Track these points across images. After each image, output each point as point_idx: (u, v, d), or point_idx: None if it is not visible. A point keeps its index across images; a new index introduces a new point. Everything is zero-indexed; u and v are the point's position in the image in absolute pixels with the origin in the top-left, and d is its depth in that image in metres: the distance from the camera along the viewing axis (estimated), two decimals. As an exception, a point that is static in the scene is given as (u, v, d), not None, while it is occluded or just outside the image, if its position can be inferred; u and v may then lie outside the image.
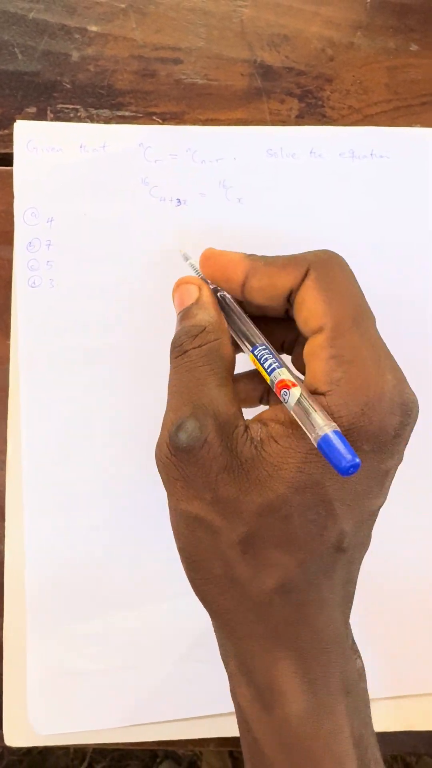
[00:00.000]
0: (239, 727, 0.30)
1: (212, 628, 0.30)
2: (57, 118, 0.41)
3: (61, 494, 0.39)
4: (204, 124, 0.42)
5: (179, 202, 0.40)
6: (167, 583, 0.40)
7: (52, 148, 0.39)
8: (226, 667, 0.30)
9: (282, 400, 0.26)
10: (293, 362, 0.33)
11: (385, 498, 0.29)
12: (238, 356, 0.31)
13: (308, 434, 0.25)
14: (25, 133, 0.39)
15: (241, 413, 0.29)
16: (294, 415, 0.26)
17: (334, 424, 0.25)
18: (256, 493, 0.27)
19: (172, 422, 0.27)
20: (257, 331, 0.30)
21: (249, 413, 0.30)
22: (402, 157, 0.41)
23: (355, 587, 0.30)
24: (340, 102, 0.43)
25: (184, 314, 0.31)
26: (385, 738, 0.42)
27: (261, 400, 0.34)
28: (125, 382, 0.39)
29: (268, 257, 0.31)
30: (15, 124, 0.40)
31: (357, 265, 0.40)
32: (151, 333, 0.39)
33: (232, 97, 0.43)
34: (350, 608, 0.30)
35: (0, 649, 0.40)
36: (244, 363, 0.32)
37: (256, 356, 0.29)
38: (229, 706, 0.30)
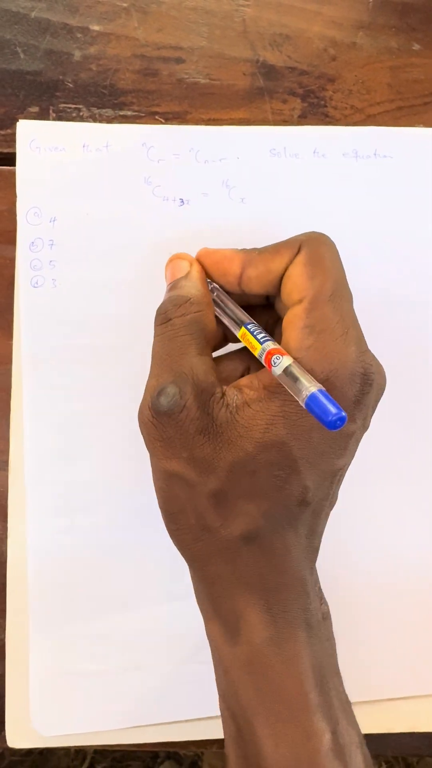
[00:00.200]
0: (214, 665, 0.33)
1: None
2: (59, 118, 0.42)
3: (64, 495, 0.40)
4: (206, 124, 0.42)
5: (182, 201, 0.40)
6: (169, 584, 0.40)
7: (54, 148, 0.39)
8: (200, 608, 0.33)
9: (272, 364, 0.29)
10: None
11: (350, 459, 0.32)
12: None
13: (295, 396, 0.28)
14: (28, 132, 0.40)
15: (218, 380, 0.31)
16: (280, 380, 0.29)
17: (319, 384, 0.28)
18: (227, 452, 0.30)
19: (155, 387, 0.30)
20: (245, 314, 0.33)
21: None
22: (405, 157, 0.42)
23: (320, 539, 0.33)
24: (343, 102, 0.43)
25: (173, 285, 0.34)
26: (388, 739, 0.42)
27: (241, 378, 0.36)
28: (128, 382, 0.39)
29: (259, 248, 0.33)
30: (17, 124, 0.40)
31: (360, 265, 0.41)
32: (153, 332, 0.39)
33: (235, 96, 0.43)
34: (315, 557, 0.33)
35: (3, 650, 0.40)
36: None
37: (249, 330, 0.32)
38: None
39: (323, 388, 0.27)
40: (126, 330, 0.40)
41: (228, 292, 0.34)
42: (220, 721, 0.40)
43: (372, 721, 0.41)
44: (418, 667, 0.41)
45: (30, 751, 0.39)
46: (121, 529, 0.40)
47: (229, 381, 0.33)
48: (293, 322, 0.31)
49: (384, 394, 0.32)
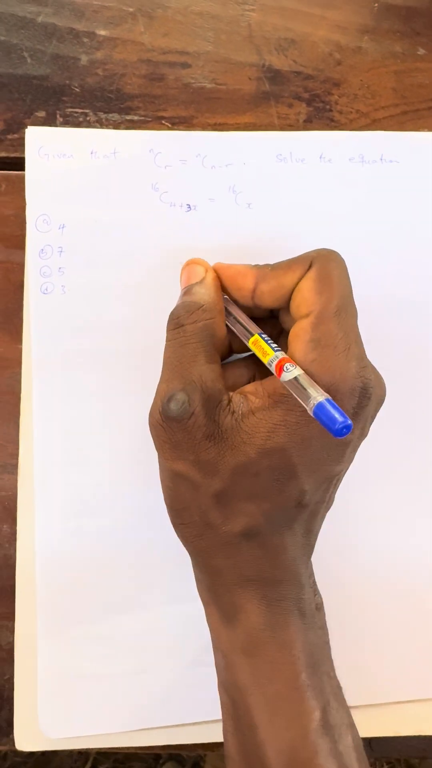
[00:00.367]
0: (213, 650, 0.35)
1: None
2: (66, 122, 0.42)
3: (72, 498, 0.40)
4: (212, 128, 0.43)
5: (189, 207, 0.41)
6: (176, 586, 0.40)
7: (63, 155, 0.40)
8: (200, 596, 0.35)
9: (285, 370, 0.31)
10: None
11: (347, 465, 0.34)
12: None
13: (303, 403, 0.30)
14: (37, 139, 0.40)
15: (225, 387, 0.33)
16: (289, 387, 0.31)
17: (326, 394, 0.29)
18: (231, 456, 0.32)
19: (165, 392, 0.32)
20: (255, 325, 0.35)
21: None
22: (412, 161, 0.42)
23: (315, 537, 0.35)
24: (348, 106, 0.44)
25: (187, 291, 0.36)
26: (394, 741, 0.42)
27: (247, 384, 0.38)
28: (136, 387, 0.40)
29: (272, 264, 0.35)
30: (26, 131, 0.40)
31: (367, 269, 0.42)
32: (162, 337, 0.40)
33: (241, 101, 0.43)
34: (310, 553, 0.35)
35: (11, 653, 0.40)
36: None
37: (263, 338, 0.33)
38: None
39: (330, 398, 0.29)
40: (134, 335, 0.40)
41: (239, 305, 0.36)
42: (226, 724, 0.41)
43: (378, 724, 0.42)
44: (424, 671, 0.42)
45: (32, 752, 0.39)
46: (129, 532, 0.41)
47: (235, 387, 0.34)
48: (299, 335, 0.32)
49: (388, 396, 0.34)
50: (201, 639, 0.37)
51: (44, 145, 0.40)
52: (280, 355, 0.32)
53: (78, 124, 0.42)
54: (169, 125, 0.43)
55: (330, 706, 0.33)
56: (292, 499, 0.32)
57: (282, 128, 0.43)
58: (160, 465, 0.34)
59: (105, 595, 0.41)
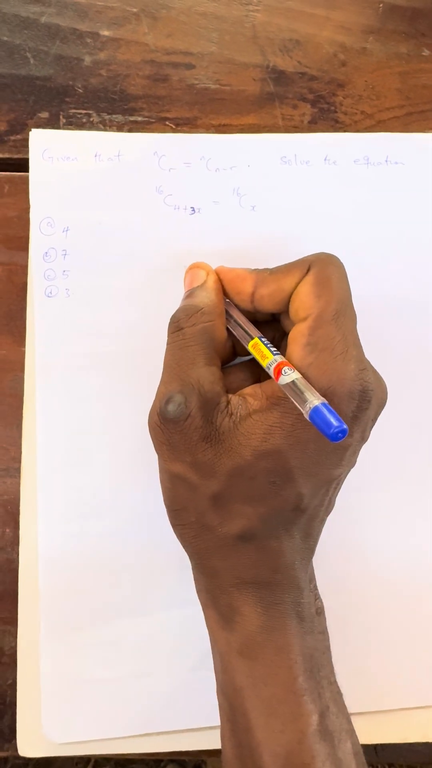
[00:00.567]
0: (212, 652, 0.36)
1: None
2: (69, 123, 0.42)
3: (75, 501, 0.41)
4: (216, 130, 0.43)
5: (193, 210, 0.41)
6: (180, 590, 0.41)
7: (67, 157, 0.40)
8: (199, 598, 0.36)
9: (283, 373, 0.31)
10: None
11: (347, 469, 0.34)
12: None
13: (300, 407, 0.30)
14: (41, 142, 0.40)
15: (224, 389, 0.34)
16: (286, 390, 0.31)
17: (323, 398, 0.29)
18: (228, 458, 0.32)
19: (163, 394, 0.33)
20: (256, 329, 0.35)
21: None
22: (417, 163, 0.42)
23: (315, 541, 0.35)
24: (353, 107, 0.44)
25: (188, 294, 0.36)
26: (401, 748, 0.43)
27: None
28: (139, 390, 0.40)
29: (271, 268, 0.35)
30: (30, 133, 0.41)
31: (373, 272, 0.42)
32: (165, 340, 0.40)
33: (245, 102, 0.43)
34: (310, 557, 0.35)
35: (14, 658, 0.40)
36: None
37: (262, 342, 0.34)
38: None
39: (326, 402, 0.29)
40: (138, 338, 0.41)
41: (240, 309, 0.36)
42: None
43: (384, 731, 0.42)
44: (430, 677, 0.42)
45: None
46: (132, 535, 0.41)
47: (238, 390, 0.35)
48: (297, 338, 0.33)
49: (390, 397, 0.34)
50: (204, 643, 0.37)
51: (48, 147, 0.40)
52: (279, 358, 0.32)
53: (81, 125, 0.42)
54: (173, 126, 0.43)
55: (329, 711, 0.33)
56: (289, 502, 0.32)
57: (286, 129, 0.43)
58: (159, 466, 0.35)
59: (108, 598, 0.41)
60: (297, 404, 0.30)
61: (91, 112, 0.43)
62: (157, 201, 0.41)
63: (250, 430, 0.32)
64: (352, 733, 0.34)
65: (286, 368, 0.31)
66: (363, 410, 0.32)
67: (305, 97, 0.44)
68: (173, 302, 0.36)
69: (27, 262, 0.41)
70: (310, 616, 0.34)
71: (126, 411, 0.41)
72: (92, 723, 0.41)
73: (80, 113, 0.43)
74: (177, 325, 0.35)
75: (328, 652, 0.35)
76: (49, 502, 0.40)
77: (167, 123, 0.43)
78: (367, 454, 0.36)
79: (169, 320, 0.35)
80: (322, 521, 0.35)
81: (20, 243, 0.41)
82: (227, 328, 0.36)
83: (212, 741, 0.41)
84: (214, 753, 0.42)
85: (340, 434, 0.28)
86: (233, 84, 0.44)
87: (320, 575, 0.36)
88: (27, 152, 0.41)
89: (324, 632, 0.35)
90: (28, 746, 0.41)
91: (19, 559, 0.41)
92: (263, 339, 0.34)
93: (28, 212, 0.41)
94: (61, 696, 0.40)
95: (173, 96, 0.43)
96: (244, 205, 0.41)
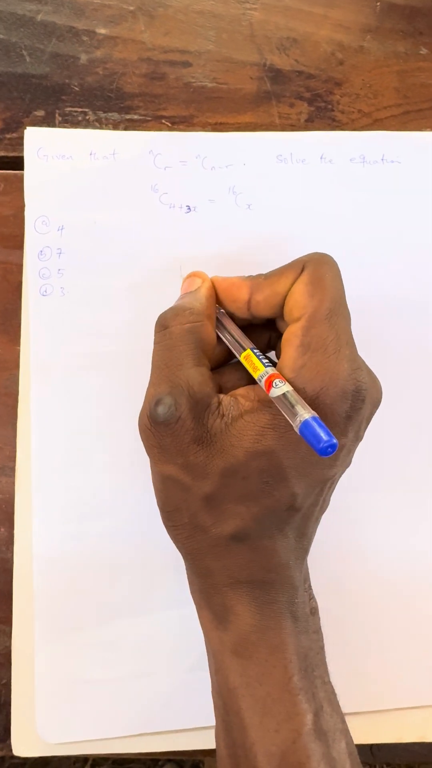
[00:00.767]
0: (206, 651, 0.36)
1: None
2: (65, 122, 0.42)
3: (70, 501, 0.41)
4: (213, 128, 0.43)
5: (189, 208, 0.41)
6: (177, 590, 0.41)
7: (62, 156, 0.40)
8: (193, 598, 0.36)
9: (274, 386, 0.31)
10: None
11: (342, 469, 0.34)
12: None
13: (290, 420, 0.30)
14: (36, 140, 0.41)
15: (215, 389, 0.34)
16: (277, 403, 0.31)
17: (313, 412, 0.30)
18: (220, 459, 0.32)
19: (153, 396, 0.33)
20: (249, 340, 0.35)
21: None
22: (414, 161, 0.43)
23: (309, 541, 0.35)
24: (350, 106, 0.44)
25: (179, 298, 0.37)
26: (398, 748, 0.43)
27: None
28: (135, 389, 0.40)
29: (265, 273, 0.35)
30: (26, 131, 0.41)
31: (369, 271, 0.42)
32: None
33: (242, 100, 0.44)
34: (304, 556, 0.35)
35: (9, 657, 0.40)
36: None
37: (254, 353, 0.34)
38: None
39: (317, 416, 0.29)
40: (133, 337, 0.41)
41: (238, 317, 0.36)
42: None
43: (380, 731, 0.42)
44: (426, 678, 0.42)
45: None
46: (127, 535, 0.41)
47: (233, 389, 0.35)
48: (290, 339, 0.33)
49: (390, 397, 0.35)
50: (200, 644, 0.37)
51: (43, 146, 0.40)
52: (270, 371, 0.32)
53: (77, 124, 0.42)
54: (170, 125, 0.43)
55: (323, 711, 0.33)
56: (282, 502, 0.32)
57: (283, 128, 0.44)
58: (151, 468, 0.35)
59: (103, 598, 0.41)
60: (287, 417, 0.30)
61: (87, 110, 0.43)
62: (153, 199, 0.41)
63: (242, 430, 0.32)
64: (346, 732, 0.34)
65: (277, 381, 0.31)
66: (357, 410, 0.32)
67: (302, 96, 0.44)
68: (168, 301, 0.37)
69: (22, 260, 0.41)
70: (305, 616, 0.34)
71: (122, 411, 0.41)
72: (88, 723, 0.41)
73: (76, 111, 0.43)
74: (163, 324, 0.35)
75: (322, 652, 0.35)
76: (45, 502, 0.40)
77: (163, 121, 0.43)
78: (366, 454, 0.36)
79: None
80: (317, 521, 0.35)
81: (15, 241, 0.42)
82: (221, 337, 0.36)
83: (210, 741, 0.41)
84: (212, 753, 0.42)
85: (329, 449, 0.28)
86: (230, 82, 0.44)
87: (318, 575, 0.36)
88: (22, 150, 0.41)
89: (318, 632, 0.35)
90: (22, 746, 0.41)
91: (14, 559, 0.41)
92: (255, 350, 0.34)
93: (23, 211, 0.41)
94: (56, 696, 0.40)
95: (170, 94, 0.43)
96: (239, 204, 0.41)
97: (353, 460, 0.35)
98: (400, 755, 0.43)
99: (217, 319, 0.36)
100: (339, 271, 0.34)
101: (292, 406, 0.30)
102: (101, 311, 0.41)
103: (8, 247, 0.42)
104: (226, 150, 0.42)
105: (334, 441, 0.28)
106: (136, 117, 0.43)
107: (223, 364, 0.37)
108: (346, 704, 0.35)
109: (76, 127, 0.42)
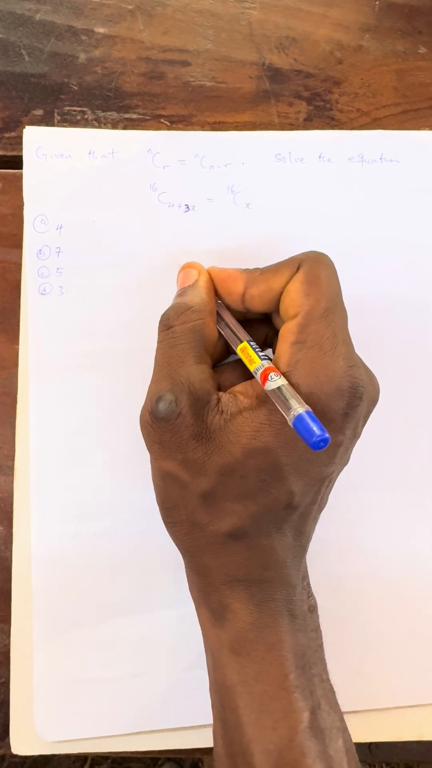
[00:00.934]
0: (205, 649, 0.36)
1: None
2: (64, 121, 0.42)
3: (69, 500, 0.41)
4: (212, 127, 0.43)
5: (188, 207, 0.41)
6: (175, 589, 0.41)
7: (61, 155, 0.40)
8: (191, 595, 0.36)
9: (269, 379, 0.32)
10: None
11: (340, 467, 0.34)
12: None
13: (285, 414, 0.30)
14: (35, 139, 0.41)
15: (215, 387, 0.34)
16: (272, 397, 0.31)
17: (307, 406, 0.30)
18: (218, 456, 0.32)
19: (154, 393, 0.33)
20: (245, 332, 0.36)
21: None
22: (412, 160, 0.43)
23: (308, 539, 0.36)
24: (349, 105, 0.44)
25: (179, 293, 0.37)
26: (396, 746, 0.43)
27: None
28: (134, 388, 0.40)
29: (261, 267, 0.36)
30: (24, 130, 0.41)
31: (367, 270, 0.42)
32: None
33: (240, 99, 0.44)
34: (303, 554, 0.35)
35: (7, 656, 0.41)
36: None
37: (251, 346, 0.34)
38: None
39: (310, 410, 0.30)
40: (132, 336, 0.41)
41: (232, 309, 0.37)
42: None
43: (379, 729, 0.42)
44: (425, 676, 0.42)
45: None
46: (126, 535, 0.41)
47: (232, 386, 0.35)
48: (286, 336, 0.33)
49: (390, 397, 0.34)
50: (199, 642, 0.37)
51: (42, 145, 0.41)
52: (266, 364, 0.33)
53: (76, 123, 0.43)
54: (168, 124, 0.43)
55: (320, 709, 0.33)
56: (280, 500, 0.33)
57: (282, 127, 0.44)
58: (151, 464, 0.35)
59: (102, 598, 0.41)
60: (282, 411, 0.31)
61: (85, 109, 0.43)
62: (152, 198, 0.41)
63: (239, 427, 0.32)
64: (344, 730, 0.34)
65: (272, 374, 0.32)
66: (353, 407, 0.32)
67: (301, 95, 0.44)
68: (167, 300, 0.37)
69: (21, 259, 0.42)
70: (302, 614, 0.34)
71: (121, 409, 0.41)
72: (87, 721, 0.41)
73: (75, 110, 0.43)
74: (167, 323, 0.35)
75: (320, 650, 0.35)
76: (43, 501, 0.41)
77: (162, 120, 0.43)
78: (366, 453, 0.36)
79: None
80: (315, 519, 0.36)
81: (14, 240, 0.42)
82: (219, 331, 0.36)
83: (209, 739, 0.42)
84: (211, 751, 0.42)
85: (321, 443, 0.29)
86: (229, 81, 0.44)
87: (317, 574, 0.37)
88: (21, 149, 0.41)
89: (317, 629, 0.35)
90: (21, 744, 0.41)
91: (13, 558, 0.41)
92: (252, 343, 0.34)
93: (21, 209, 0.41)
94: (55, 694, 0.40)
95: (168, 93, 0.43)
96: (238, 203, 0.42)
97: (352, 459, 0.36)
98: (399, 754, 0.43)
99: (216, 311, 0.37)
100: (335, 270, 0.34)
101: (287, 400, 0.30)
102: (100, 310, 0.41)
103: (7, 246, 0.42)
104: (224, 149, 0.42)
105: (327, 435, 0.29)
106: (134, 116, 0.43)
107: (224, 358, 0.37)
108: (344, 703, 0.35)
109: (74, 126, 0.43)
